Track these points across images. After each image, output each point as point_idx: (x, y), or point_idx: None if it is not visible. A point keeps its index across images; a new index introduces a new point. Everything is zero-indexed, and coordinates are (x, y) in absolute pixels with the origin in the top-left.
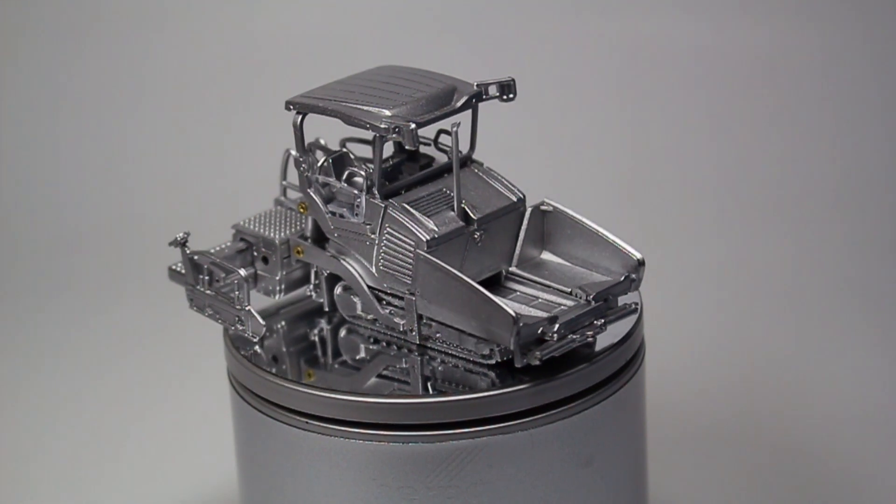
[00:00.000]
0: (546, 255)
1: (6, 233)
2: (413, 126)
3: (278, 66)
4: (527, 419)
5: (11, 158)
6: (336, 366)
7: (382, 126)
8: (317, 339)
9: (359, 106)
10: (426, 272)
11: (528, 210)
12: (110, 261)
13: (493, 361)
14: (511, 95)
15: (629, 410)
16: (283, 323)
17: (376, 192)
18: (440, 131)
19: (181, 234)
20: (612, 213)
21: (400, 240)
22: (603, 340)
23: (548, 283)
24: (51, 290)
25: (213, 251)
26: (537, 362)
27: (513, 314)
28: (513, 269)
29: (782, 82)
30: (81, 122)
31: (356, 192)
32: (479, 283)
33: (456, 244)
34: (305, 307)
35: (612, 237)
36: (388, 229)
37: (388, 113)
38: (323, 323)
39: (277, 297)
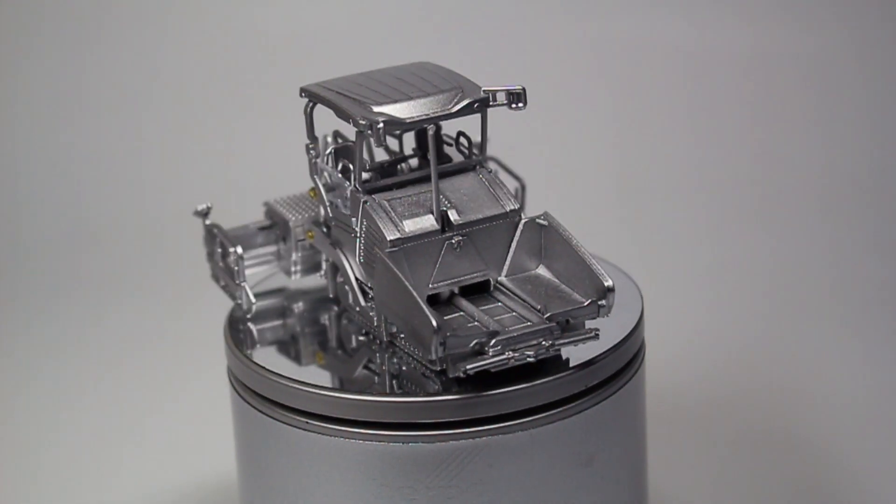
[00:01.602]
0: (541, 269)
1: (9, 232)
2: (381, 125)
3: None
4: (527, 419)
5: (14, 158)
6: (326, 354)
7: (361, 122)
8: (326, 324)
9: (354, 99)
10: (381, 271)
11: (523, 222)
12: (112, 261)
13: (437, 368)
14: (520, 105)
15: (629, 410)
16: (301, 304)
17: (357, 185)
18: (459, 133)
19: (203, 206)
20: (613, 213)
21: (372, 236)
22: (604, 341)
23: (524, 297)
24: (52, 290)
25: (227, 226)
26: (461, 374)
27: (434, 323)
28: (502, 278)
29: (782, 83)
30: (82, 121)
31: (347, 183)
32: (464, 288)
33: (429, 247)
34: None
35: (588, 259)
36: (365, 224)
37: (375, 109)
38: (336, 309)
39: (294, 276)
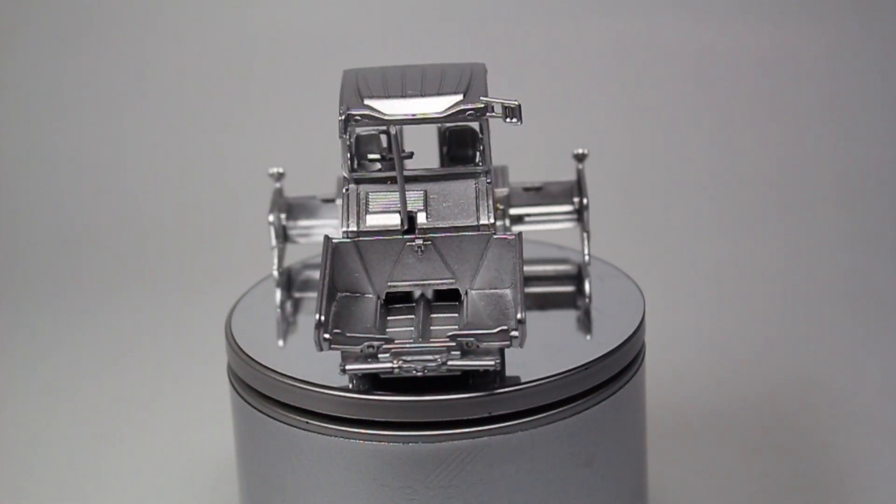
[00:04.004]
0: (510, 289)
1: (8, 231)
2: (342, 117)
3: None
4: (527, 419)
5: (14, 156)
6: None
7: (340, 111)
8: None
9: (358, 90)
10: (323, 261)
11: (492, 238)
12: (112, 259)
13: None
14: (514, 120)
15: (629, 411)
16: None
17: (345, 174)
18: (479, 139)
19: (277, 170)
20: (613, 212)
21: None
22: (605, 341)
23: (468, 312)
24: (52, 288)
25: (293, 195)
26: (342, 373)
27: (316, 317)
28: (472, 290)
29: (784, 81)
30: (84, 121)
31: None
32: (440, 295)
33: (389, 247)
34: None
35: (519, 287)
36: (343, 211)
37: (366, 102)
38: None
39: None
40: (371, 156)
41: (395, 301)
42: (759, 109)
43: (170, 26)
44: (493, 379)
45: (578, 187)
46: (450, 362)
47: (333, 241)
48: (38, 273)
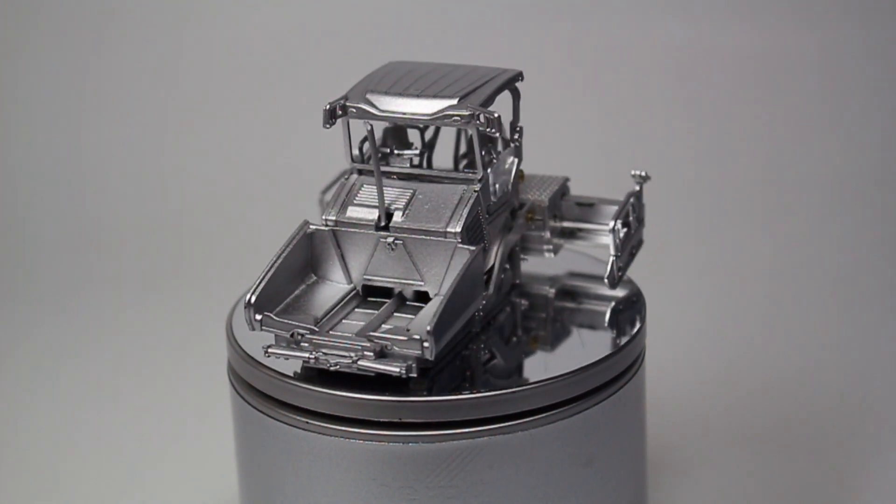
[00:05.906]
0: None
1: (12, 234)
2: (326, 108)
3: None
4: (527, 419)
5: (20, 159)
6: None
7: (331, 102)
8: None
9: (367, 83)
10: (285, 244)
11: (455, 247)
12: (112, 258)
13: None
14: (493, 131)
15: (629, 411)
16: None
17: (350, 163)
18: (488, 143)
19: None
20: None
21: None
22: (606, 343)
23: (415, 316)
24: (53, 290)
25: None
26: (266, 355)
27: (247, 298)
28: (441, 295)
29: (782, 81)
30: (83, 122)
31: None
32: (418, 294)
33: (363, 240)
34: None
35: (443, 298)
36: (332, 198)
37: (367, 97)
38: None
39: None
40: (383, 149)
41: (378, 294)
42: (758, 110)
43: (182, 25)
44: (403, 384)
45: (639, 207)
46: (360, 362)
47: (310, 227)
48: (38, 273)
